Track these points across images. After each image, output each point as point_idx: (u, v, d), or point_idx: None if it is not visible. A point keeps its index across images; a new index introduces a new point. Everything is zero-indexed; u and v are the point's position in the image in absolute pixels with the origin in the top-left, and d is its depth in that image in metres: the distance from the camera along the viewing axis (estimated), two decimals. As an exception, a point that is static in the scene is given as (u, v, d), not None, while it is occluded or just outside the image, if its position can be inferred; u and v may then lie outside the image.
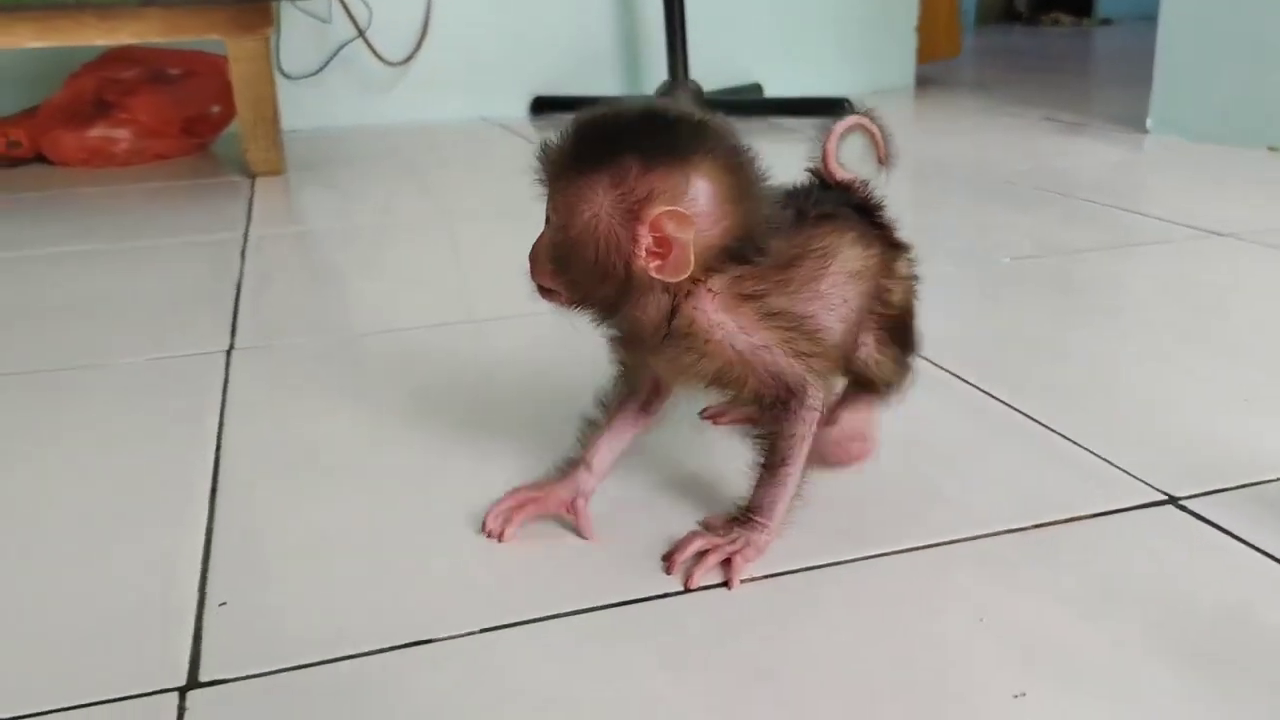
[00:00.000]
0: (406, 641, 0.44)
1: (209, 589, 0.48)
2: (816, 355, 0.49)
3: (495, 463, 0.59)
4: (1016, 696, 0.40)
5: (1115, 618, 0.45)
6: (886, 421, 0.57)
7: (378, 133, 1.97)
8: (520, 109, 2.14)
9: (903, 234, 0.55)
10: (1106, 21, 4.57)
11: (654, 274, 0.45)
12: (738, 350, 0.47)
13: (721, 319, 0.47)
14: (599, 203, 0.44)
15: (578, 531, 0.52)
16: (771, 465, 0.49)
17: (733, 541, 0.48)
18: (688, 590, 0.47)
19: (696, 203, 0.44)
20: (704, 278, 0.46)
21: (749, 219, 0.46)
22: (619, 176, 0.44)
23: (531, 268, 0.47)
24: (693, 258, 0.44)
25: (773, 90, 2.21)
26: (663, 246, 0.44)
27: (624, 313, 0.47)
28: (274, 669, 0.43)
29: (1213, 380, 0.70)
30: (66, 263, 1.10)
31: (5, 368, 0.79)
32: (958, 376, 0.71)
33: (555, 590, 0.47)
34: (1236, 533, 0.51)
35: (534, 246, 0.47)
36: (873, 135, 0.55)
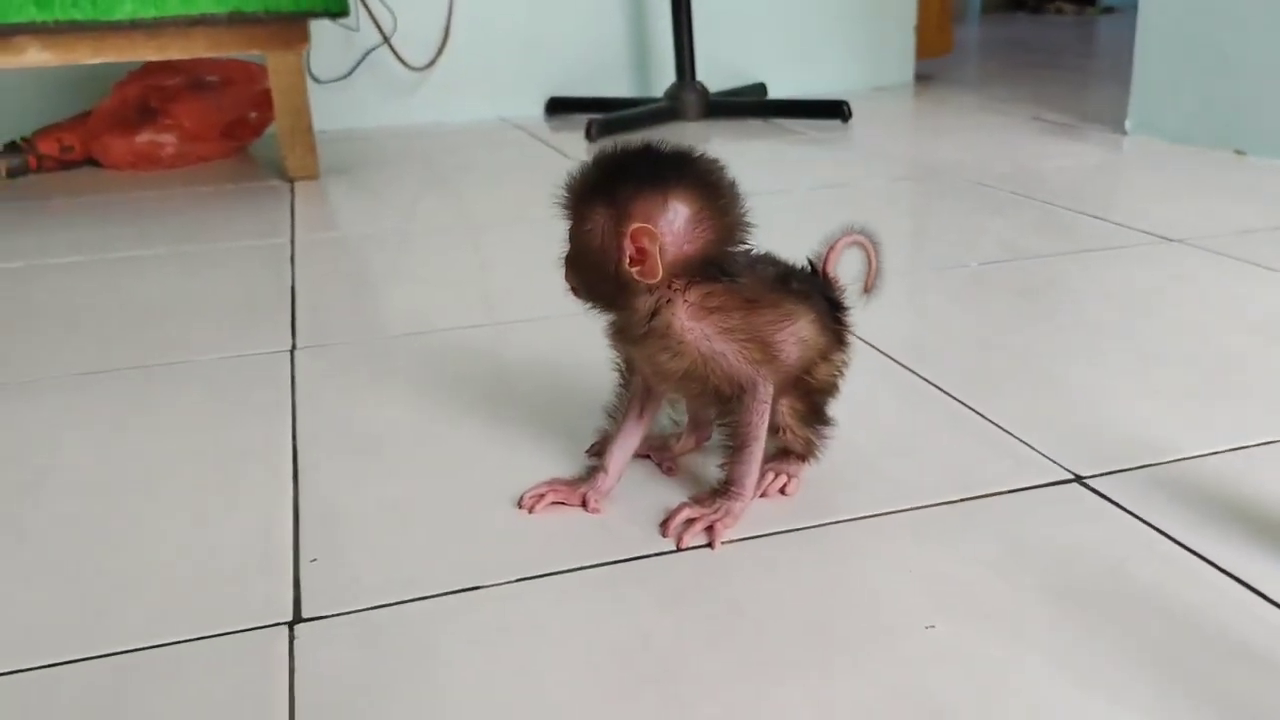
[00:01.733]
0: (459, 588, 0.56)
1: (301, 547, 0.61)
2: (765, 364, 0.60)
3: (524, 449, 0.72)
4: (927, 628, 0.52)
5: (1015, 572, 0.56)
6: (842, 406, 0.66)
7: (403, 133, 2.09)
8: (536, 109, 2.25)
9: (851, 330, 0.65)
10: (1109, 10, 4.61)
11: (636, 277, 0.56)
12: (702, 353, 0.59)
13: (691, 325, 0.58)
14: (599, 220, 0.57)
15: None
16: (737, 447, 0.61)
17: (715, 511, 0.60)
18: (679, 550, 0.59)
19: (672, 224, 0.56)
20: (681, 288, 0.58)
21: (717, 243, 0.57)
22: (613, 199, 0.56)
23: (564, 271, 0.60)
24: (661, 265, 0.55)
25: (776, 89, 2.31)
26: (641, 255, 0.56)
27: (620, 307, 0.59)
28: (360, 608, 0.55)
29: (1129, 375, 0.81)
30: (132, 266, 1.23)
31: (106, 364, 0.91)
32: (905, 366, 0.82)
33: (574, 549, 0.59)
34: (1127, 506, 0.62)
35: (565, 255, 0.60)
36: (869, 260, 0.66)
